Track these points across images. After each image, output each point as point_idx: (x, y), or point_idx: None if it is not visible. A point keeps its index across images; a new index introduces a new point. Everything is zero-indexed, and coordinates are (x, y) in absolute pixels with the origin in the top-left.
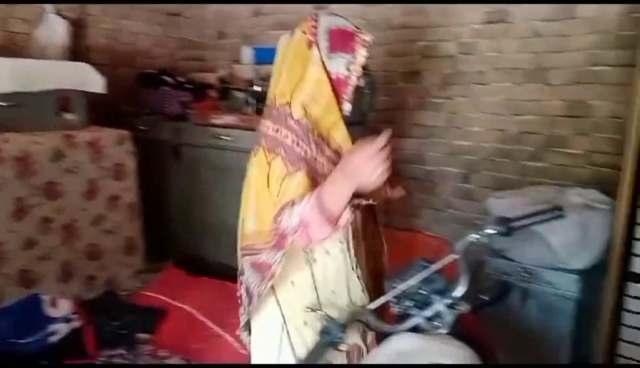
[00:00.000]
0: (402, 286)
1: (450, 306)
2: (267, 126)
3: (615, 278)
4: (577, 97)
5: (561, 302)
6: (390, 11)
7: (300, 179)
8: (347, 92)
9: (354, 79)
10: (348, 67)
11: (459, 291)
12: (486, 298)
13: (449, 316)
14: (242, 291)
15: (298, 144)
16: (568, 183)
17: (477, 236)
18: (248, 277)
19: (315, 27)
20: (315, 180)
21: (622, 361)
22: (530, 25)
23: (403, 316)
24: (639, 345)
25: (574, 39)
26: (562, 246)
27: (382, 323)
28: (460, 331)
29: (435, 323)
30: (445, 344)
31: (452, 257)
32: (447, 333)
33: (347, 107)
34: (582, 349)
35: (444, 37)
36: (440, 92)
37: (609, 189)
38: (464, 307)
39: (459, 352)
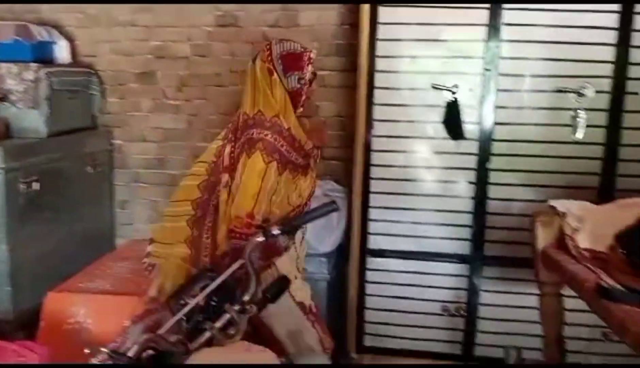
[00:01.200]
0: (193, 302)
1: (242, 311)
2: (265, 133)
3: (357, 255)
4: None
5: (315, 285)
6: (116, 8)
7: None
8: (300, 101)
9: (305, 89)
10: (299, 81)
11: (248, 294)
12: (269, 296)
13: (242, 322)
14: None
15: (288, 151)
16: None
17: (263, 238)
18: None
19: (270, 55)
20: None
21: (367, 328)
22: (259, 30)
23: (195, 332)
24: (379, 310)
25: None
26: (312, 234)
27: (174, 345)
28: (252, 333)
29: (229, 331)
30: (247, 351)
31: (240, 262)
32: (243, 338)
33: (299, 111)
34: (336, 324)
35: (177, 38)
36: (178, 94)
37: (339, 179)
38: (254, 309)
39: (262, 356)
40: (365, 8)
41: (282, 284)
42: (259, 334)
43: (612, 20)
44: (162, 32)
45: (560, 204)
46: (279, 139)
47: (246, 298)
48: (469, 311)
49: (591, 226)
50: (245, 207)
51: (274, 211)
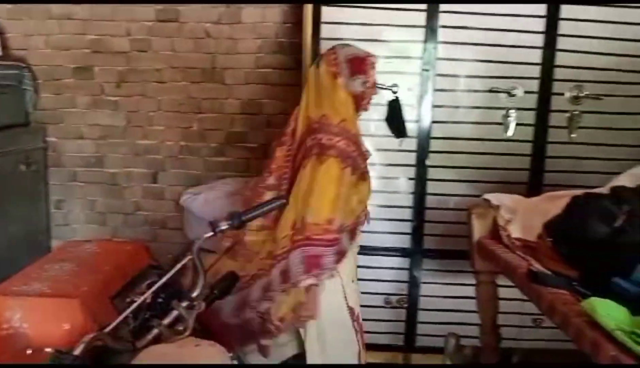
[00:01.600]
0: (140, 300)
1: (190, 308)
2: (336, 140)
3: None
4: (250, 96)
5: None
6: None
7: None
8: (363, 104)
9: (369, 92)
10: (363, 85)
11: (197, 291)
12: (217, 292)
13: (190, 318)
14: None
15: (356, 156)
16: (250, 173)
17: (212, 234)
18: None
19: (336, 59)
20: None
21: None
22: (202, 27)
23: (143, 330)
24: None
25: (242, 42)
26: None
27: (121, 343)
28: (201, 328)
29: (178, 328)
30: (197, 346)
31: (188, 258)
32: (192, 335)
33: (361, 113)
34: None
35: (116, 32)
36: (117, 90)
37: None
38: (202, 305)
39: (211, 350)
40: (309, 7)
41: (230, 280)
42: (209, 330)
43: (540, 24)
44: (100, 26)
45: (494, 198)
46: (349, 144)
47: (194, 294)
48: (410, 303)
49: (522, 217)
50: (323, 214)
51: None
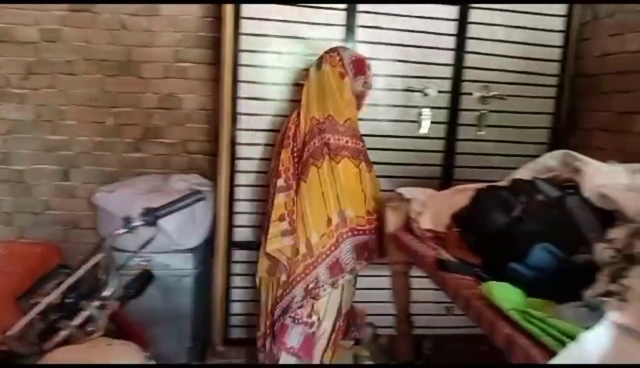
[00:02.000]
0: (46, 300)
1: (101, 308)
2: (345, 140)
3: (223, 249)
4: (168, 90)
5: (179, 281)
6: None
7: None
8: (362, 103)
9: (367, 92)
10: (364, 85)
11: (109, 290)
12: (131, 290)
13: (102, 318)
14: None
15: (353, 142)
16: (169, 170)
17: (124, 230)
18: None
19: (341, 61)
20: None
21: (233, 320)
22: (118, 18)
23: (50, 332)
24: (244, 302)
25: (160, 35)
26: (176, 230)
27: (27, 346)
28: (115, 328)
29: (88, 328)
30: (109, 346)
31: (100, 256)
32: (104, 335)
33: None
34: (203, 318)
35: (24, 21)
36: (24, 82)
37: (204, 173)
38: (114, 305)
39: (123, 350)
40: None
41: (145, 278)
42: (123, 330)
43: (452, 27)
44: (6, 14)
45: (407, 192)
46: (357, 141)
47: (106, 293)
48: None
49: (432, 209)
50: (360, 207)
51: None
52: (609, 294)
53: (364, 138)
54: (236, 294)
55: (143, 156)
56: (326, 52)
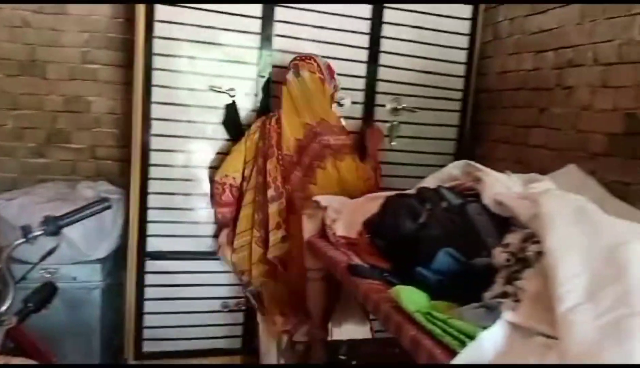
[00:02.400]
0: None
1: None
2: (342, 139)
3: (135, 259)
4: (75, 92)
5: (87, 294)
6: None
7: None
8: (334, 101)
9: (336, 94)
10: (334, 87)
11: (5, 304)
12: (31, 305)
13: None
14: None
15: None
16: (76, 177)
17: (23, 240)
18: None
19: (319, 67)
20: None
21: (146, 333)
22: (20, 15)
23: None
24: (158, 314)
25: (66, 34)
26: (82, 240)
27: None
28: (14, 345)
29: None
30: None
31: None
32: (1, 353)
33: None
34: (113, 331)
35: None
36: None
37: (113, 179)
38: (13, 320)
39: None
40: (141, 4)
41: (48, 291)
42: (23, 347)
43: (365, 40)
44: None
45: (323, 199)
46: (350, 137)
47: (3, 308)
48: (247, 306)
49: (346, 216)
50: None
51: None
52: (504, 295)
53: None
54: (150, 306)
55: (47, 161)
56: (300, 59)
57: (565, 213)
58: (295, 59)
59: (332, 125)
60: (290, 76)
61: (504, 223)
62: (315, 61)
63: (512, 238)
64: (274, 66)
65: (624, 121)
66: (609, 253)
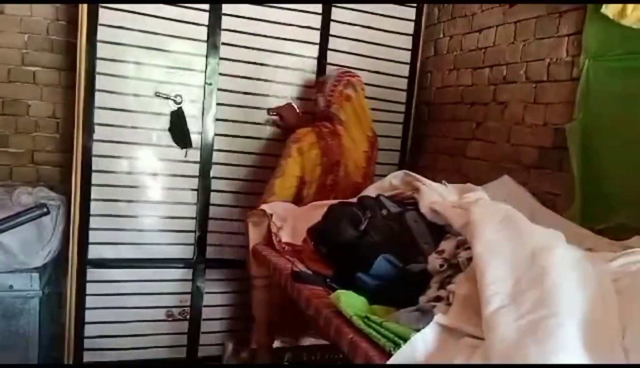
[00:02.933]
0: None
1: None
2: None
3: (77, 267)
4: (13, 95)
5: (25, 303)
6: None
7: None
8: None
9: None
10: None
11: None
12: None
13: None
14: None
15: None
16: (14, 182)
17: None
18: None
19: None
20: None
21: (87, 343)
22: None
23: None
24: (99, 323)
25: (4, 35)
26: (20, 247)
27: None
28: None
29: None
30: None
31: None
32: None
33: None
34: (52, 341)
35: None
36: None
37: (53, 185)
38: None
39: None
40: (84, 6)
41: None
42: None
43: (314, 51)
44: None
45: (268, 207)
46: None
47: None
48: (193, 314)
49: (292, 224)
50: None
51: None
52: (438, 299)
53: (227, 153)
54: (91, 315)
55: None
56: (350, 76)
57: (493, 221)
58: (344, 74)
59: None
60: (350, 91)
61: (440, 230)
62: (356, 75)
63: (447, 245)
64: (221, 74)
65: (553, 136)
66: (532, 257)
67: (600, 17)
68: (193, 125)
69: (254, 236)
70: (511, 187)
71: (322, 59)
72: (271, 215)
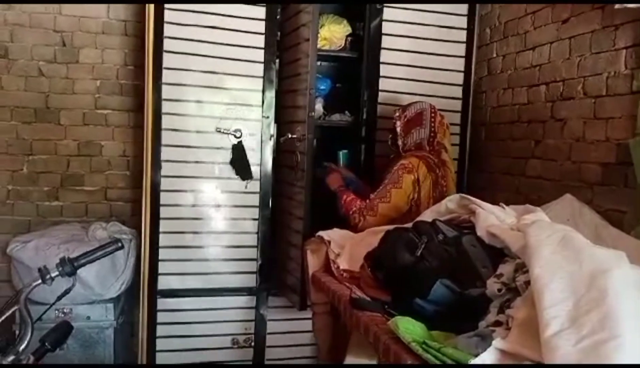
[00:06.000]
0: None
1: (17, 362)
2: None
3: (147, 297)
4: (88, 137)
5: (100, 333)
6: None
7: None
8: None
9: None
10: None
11: (24, 343)
12: (48, 344)
13: None
14: None
15: None
16: (89, 218)
17: (40, 282)
18: None
19: None
20: None
21: None
22: (35, 65)
23: None
24: (170, 352)
25: (79, 82)
26: (96, 280)
27: None
28: None
29: None
30: None
31: (14, 308)
32: None
33: None
34: None
35: None
36: None
37: (125, 220)
38: (30, 359)
39: None
40: (150, 52)
41: (63, 330)
42: None
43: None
44: None
45: (326, 234)
46: None
47: (21, 347)
48: (257, 341)
49: (350, 250)
50: None
51: None
52: (497, 323)
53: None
54: (162, 344)
55: (61, 204)
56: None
57: (551, 243)
58: (431, 105)
59: None
60: (446, 120)
61: (499, 253)
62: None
63: (505, 269)
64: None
65: (616, 151)
66: (590, 279)
67: None
68: (252, 157)
69: (313, 263)
70: (574, 206)
71: (374, 86)
72: (329, 242)
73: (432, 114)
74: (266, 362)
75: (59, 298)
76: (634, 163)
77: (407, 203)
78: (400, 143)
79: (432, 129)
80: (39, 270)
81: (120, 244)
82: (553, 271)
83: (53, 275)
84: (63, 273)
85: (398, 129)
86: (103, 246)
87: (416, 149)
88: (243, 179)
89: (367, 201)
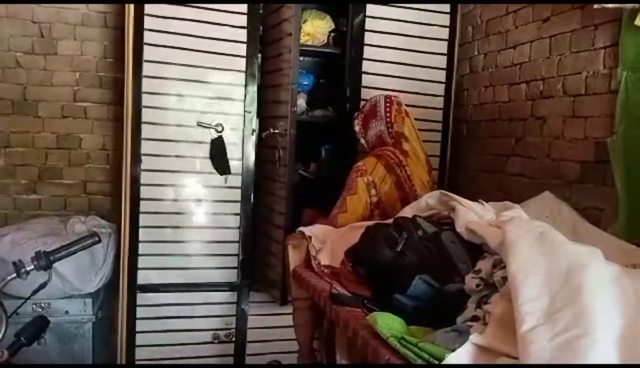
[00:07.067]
0: None
1: None
2: None
3: (126, 292)
4: (67, 130)
5: (79, 327)
6: None
7: None
8: None
9: None
10: None
11: None
12: (23, 339)
13: None
14: None
15: None
16: (68, 212)
17: (14, 275)
18: None
19: None
20: None
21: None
22: (12, 56)
23: None
24: (150, 347)
25: (58, 74)
26: (75, 274)
27: None
28: None
29: None
30: None
31: None
32: None
33: None
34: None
35: None
36: None
37: (104, 214)
38: (5, 354)
39: None
40: (130, 44)
41: (38, 325)
42: None
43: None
44: None
45: (307, 230)
46: None
47: None
48: (238, 336)
49: (330, 246)
50: None
51: None
52: (475, 319)
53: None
54: (141, 339)
55: (39, 197)
56: (394, 96)
57: (528, 239)
58: (389, 96)
59: None
60: (404, 107)
61: (477, 250)
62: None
63: (483, 264)
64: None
65: (594, 149)
66: (566, 275)
67: (636, 28)
68: (233, 152)
69: (294, 258)
70: (552, 203)
71: (357, 82)
72: (310, 238)
73: (387, 105)
74: (247, 357)
75: (35, 292)
76: (612, 161)
77: (367, 208)
78: (363, 141)
79: (388, 119)
80: (14, 263)
81: (97, 238)
82: (530, 267)
83: (28, 268)
84: (38, 267)
85: (357, 128)
86: (80, 240)
87: (380, 144)
88: (221, 174)
89: (330, 215)
